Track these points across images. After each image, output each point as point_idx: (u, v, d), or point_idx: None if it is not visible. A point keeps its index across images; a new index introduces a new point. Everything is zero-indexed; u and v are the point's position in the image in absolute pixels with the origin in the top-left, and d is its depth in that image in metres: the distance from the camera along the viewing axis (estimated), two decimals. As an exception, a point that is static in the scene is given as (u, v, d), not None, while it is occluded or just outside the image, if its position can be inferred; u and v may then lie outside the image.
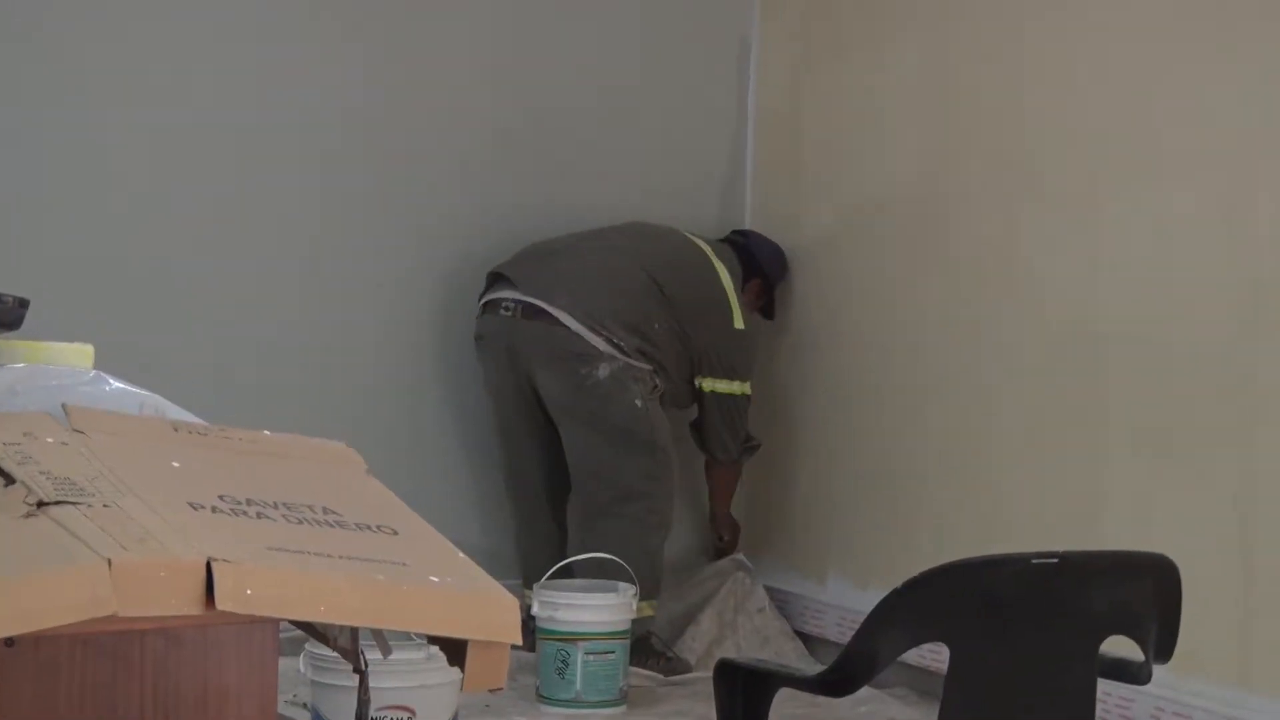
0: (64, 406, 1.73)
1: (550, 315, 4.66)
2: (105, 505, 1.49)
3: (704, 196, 5.45)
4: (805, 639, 5.06)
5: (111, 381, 1.82)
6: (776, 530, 5.31)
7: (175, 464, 1.67)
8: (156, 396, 1.84)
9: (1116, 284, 4.16)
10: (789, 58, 5.35)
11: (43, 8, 4.49)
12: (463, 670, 1.53)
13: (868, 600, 2.43)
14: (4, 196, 4.44)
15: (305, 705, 3.75)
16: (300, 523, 1.59)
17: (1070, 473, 4.26)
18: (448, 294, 5.00)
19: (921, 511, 4.72)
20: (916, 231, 4.80)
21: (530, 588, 4.58)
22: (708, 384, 4.91)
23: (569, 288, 4.68)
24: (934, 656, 3.42)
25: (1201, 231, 3.95)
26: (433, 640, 1.59)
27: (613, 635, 4.34)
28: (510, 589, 1.64)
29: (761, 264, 5.13)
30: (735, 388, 4.94)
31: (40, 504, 1.48)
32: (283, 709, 3.60)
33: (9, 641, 1.46)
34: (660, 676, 4.67)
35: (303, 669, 3.66)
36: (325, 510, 1.64)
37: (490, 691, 1.58)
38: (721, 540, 5.23)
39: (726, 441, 5.00)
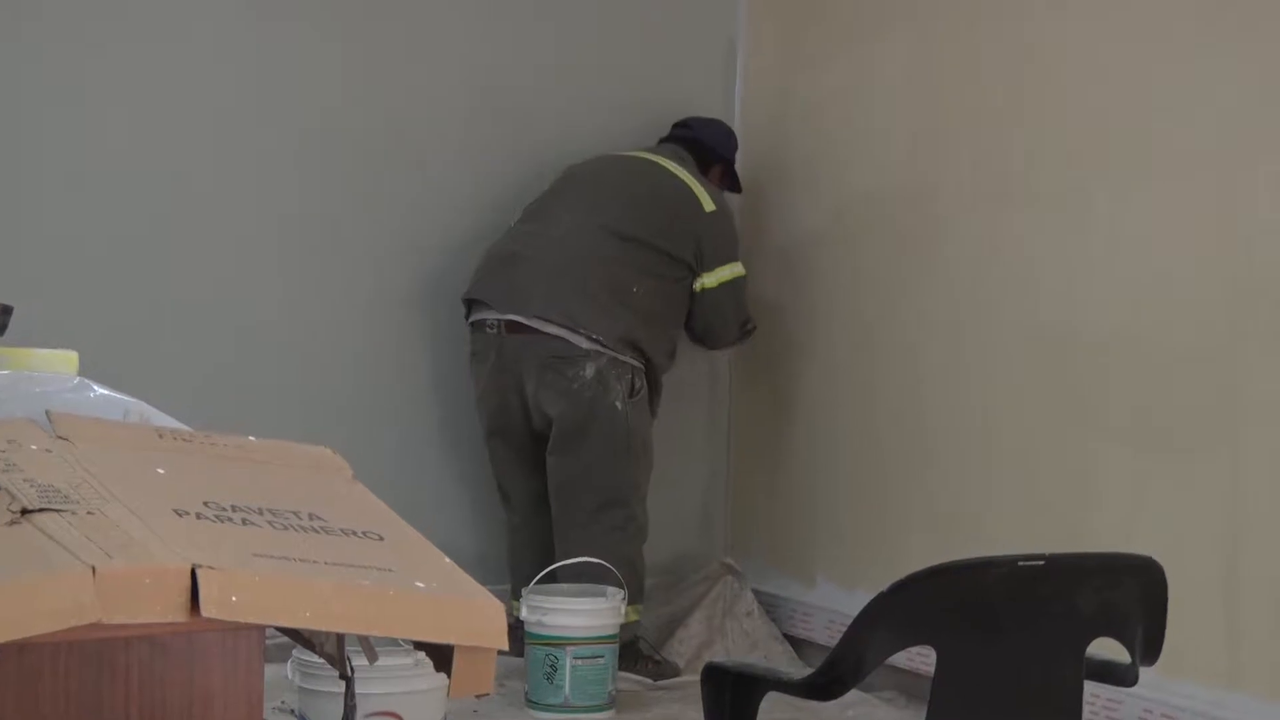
0: (48, 413, 1.73)
1: (531, 327, 4.67)
2: (89, 512, 1.48)
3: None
4: (794, 642, 5.06)
5: (96, 388, 1.82)
6: (765, 533, 5.31)
7: (160, 470, 1.66)
8: (141, 403, 1.83)
9: (1106, 285, 4.16)
10: (775, 59, 5.35)
11: (20, 16, 4.48)
12: (449, 676, 1.53)
13: (856, 603, 2.43)
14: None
15: (292, 712, 3.75)
16: (285, 529, 1.59)
17: (1059, 473, 4.27)
18: (435, 299, 5.00)
19: (911, 513, 4.73)
20: (905, 232, 4.80)
21: (518, 596, 4.58)
22: (710, 279, 4.88)
23: (540, 294, 4.67)
24: (922, 659, 3.42)
25: (1191, 232, 3.95)
26: (419, 646, 1.59)
27: (601, 639, 4.34)
28: (498, 595, 1.63)
29: (716, 148, 5.13)
30: (734, 270, 4.93)
31: (24, 511, 1.47)
32: (270, 716, 3.61)
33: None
34: (649, 680, 4.67)
35: (289, 675, 3.65)
36: (311, 516, 1.63)
37: (477, 697, 1.58)
38: None
39: (731, 328, 5.01)
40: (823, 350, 5.10)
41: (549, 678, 4.29)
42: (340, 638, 1.70)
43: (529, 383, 4.69)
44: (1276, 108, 3.78)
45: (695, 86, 5.43)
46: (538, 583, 4.46)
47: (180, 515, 1.53)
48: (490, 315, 4.73)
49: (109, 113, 4.57)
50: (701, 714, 2.50)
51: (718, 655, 4.78)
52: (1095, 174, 4.20)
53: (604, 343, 4.65)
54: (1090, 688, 2.42)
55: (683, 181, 4.88)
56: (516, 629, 4.30)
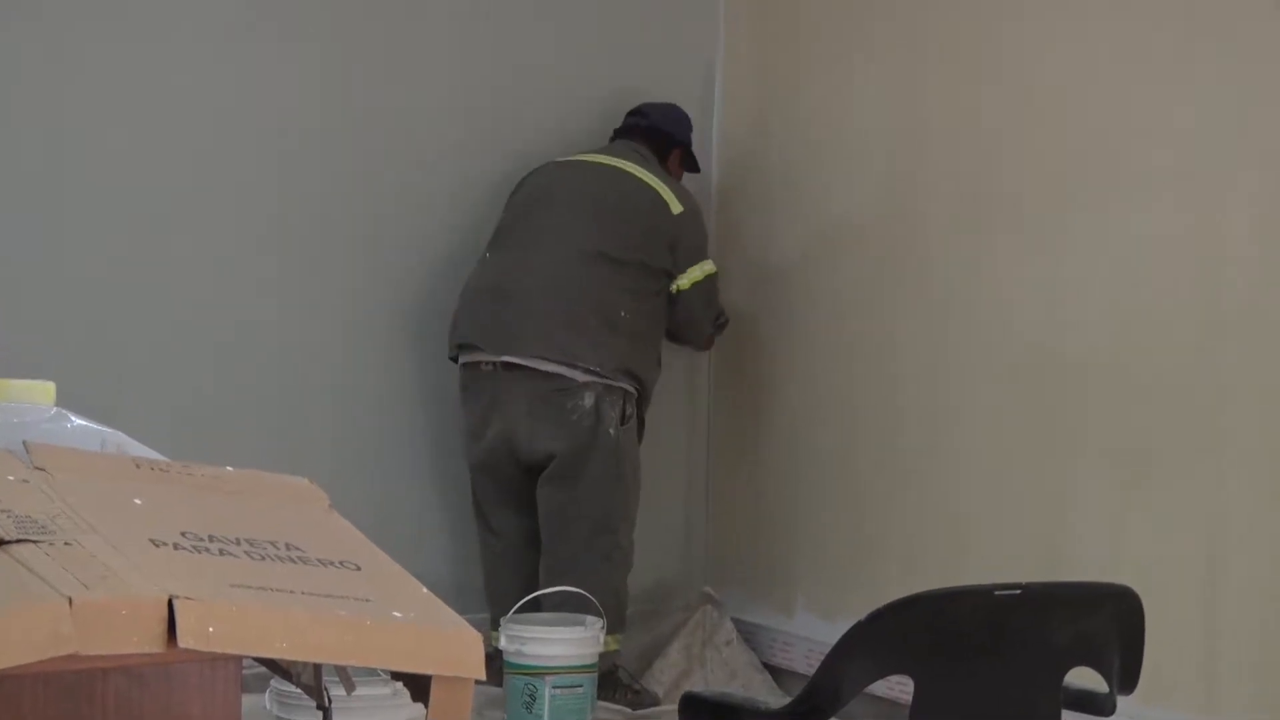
0: (25, 444, 1.73)
1: (527, 366, 4.67)
2: (67, 543, 1.48)
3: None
4: (774, 671, 5.06)
5: (73, 418, 1.82)
6: (744, 561, 5.31)
7: (137, 501, 1.66)
8: (119, 433, 1.83)
9: (1083, 308, 4.18)
10: (754, 80, 5.37)
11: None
12: (427, 706, 1.53)
13: (836, 632, 2.43)
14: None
15: (271, 742, 3.73)
16: (263, 559, 1.59)
17: (1038, 499, 4.28)
18: (420, 327, 4.99)
19: (890, 541, 4.73)
20: (884, 256, 4.82)
21: (497, 626, 4.57)
22: (684, 280, 4.89)
23: (532, 333, 4.66)
24: (901, 688, 3.41)
25: (1167, 255, 3.98)
26: (397, 676, 1.59)
27: (580, 669, 4.33)
28: (476, 624, 1.64)
29: (673, 133, 5.10)
30: (704, 269, 4.93)
31: (1, 542, 1.47)
32: (248, 746, 3.59)
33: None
34: (628, 710, 4.66)
35: (268, 705, 3.64)
36: (288, 546, 1.64)
37: (455, 727, 1.57)
38: None
39: (705, 325, 5.04)
40: (802, 377, 5.11)
41: (528, 707, 4.28)
42: (318, 668, 1.70)
43: (526, 419, 4.68)
44: (1251, 133, 3.81)
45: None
46: (518, 611, 4.46)
47: (157, 546, 1.53)
48: (484, 357, 4.73)
49: (83, 141, 4.55)
50: (680, 743, 2.51)
51: (697, 685, 4.78)
52: (1073, 198, 4.22)
53: (600, 373, 4.66)
54: (1068, 717, 2.43)
55: (649, 186, 4.85)
56: (495, 658, 4.29)
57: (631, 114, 5.11)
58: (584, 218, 4.76)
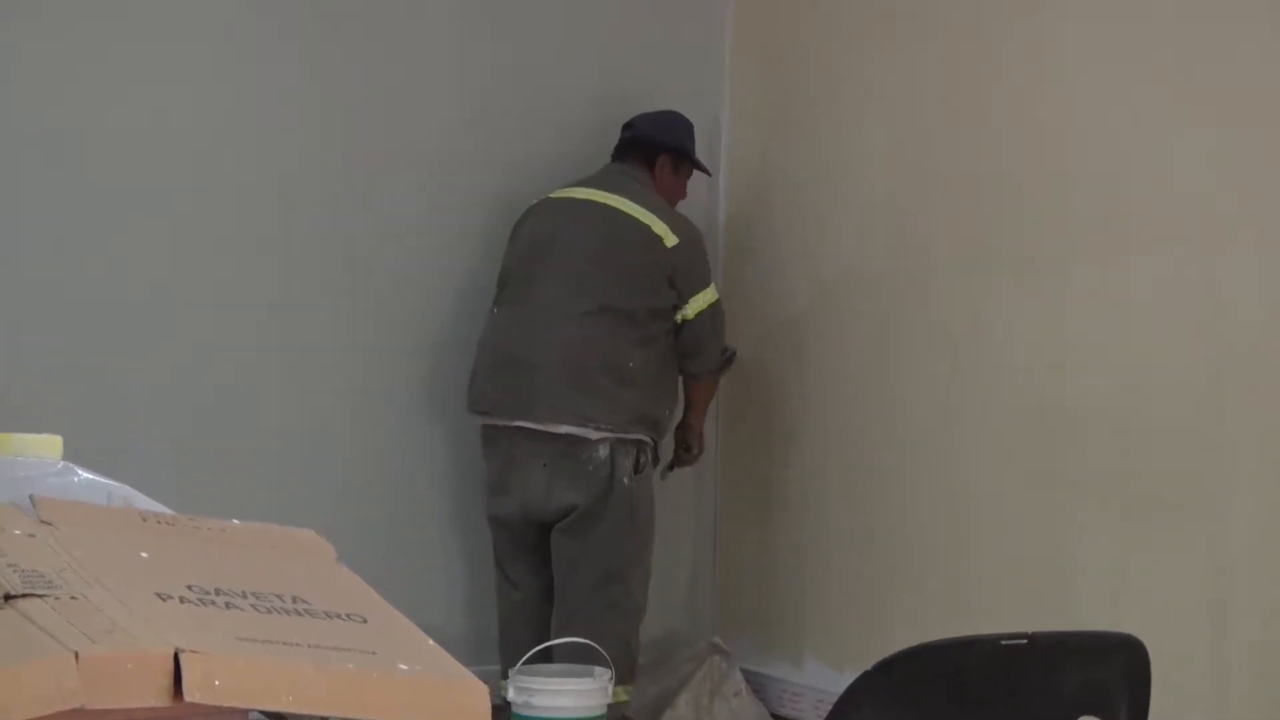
0: (31, 498, 1.73)
1: (543, 431, 4.68)
2: (73, 597, 1.49)
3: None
4: (783, 722, 5.05)
5: (80, 472, 1.82)
6: (752, 611, 5.30)
7: (143, 554, 1.67)
8: (125, 487, 1.84)
9: (1087, 354, 4.19)
10: (759, 134, 5.39)
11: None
12: (434, 759, 1.53)
13: (845, 682, 2.43)
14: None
15: (278, 795, 3.72)
16: (269, 612, 1.59)
17: (1044, 546, 4.27)
18: (430, 373, 5.00)
19: (898, 590, 4.72)
20: (889, 305, 4.83)
21: (507, 676, 4.56)
22: (690, 310, 4.82)
23: (545, 399, 4.65)
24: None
25: (1170, 301, 3.99)
26: (404, 729, 1.59)
27: (588, 720, 4.32)
28: (485, 675, 1.64)
29: (657, 137, 4.96)
30: (708, 296, 4.84)
31: (7, 597, 1.48)
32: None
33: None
34: (636, 761, 4.65)
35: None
36: (294, 599, 1.64)
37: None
38: (689, 451, 5.17)
39: (713, 354, 4.93)
40: (810, 426, 5.11)
41: (536, 758, 4.26)
42: (324, 721, 1.70)
43: (544, 476, 4.68)
44: (1252, 183, 3.82)
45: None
46: (526, 662, 4.44)
47: (164, 599, 1.54)
48: (501, 421, 4.75)
49: (95, 193, 4.56)
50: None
51: (705, 737, 4.76)
52: (1076, 245, 4.23)
53: (614, 427, 4.66)
54: (1075, 766, 2.42)
55: (641, 222, 4.77)
56: (504, 710, 4.27)
57: (624, 128, 5.02)
58: (585, 270, 4.74)
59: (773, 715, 5.05)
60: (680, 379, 4.92)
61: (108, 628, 1.43)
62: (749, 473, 5.36)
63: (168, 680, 1.40)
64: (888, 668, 2.22)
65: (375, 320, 4.94)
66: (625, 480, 4.67)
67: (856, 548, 4.89)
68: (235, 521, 1.86)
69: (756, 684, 5.13)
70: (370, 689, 1.51)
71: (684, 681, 5.03)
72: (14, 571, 1.52)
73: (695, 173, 5.10)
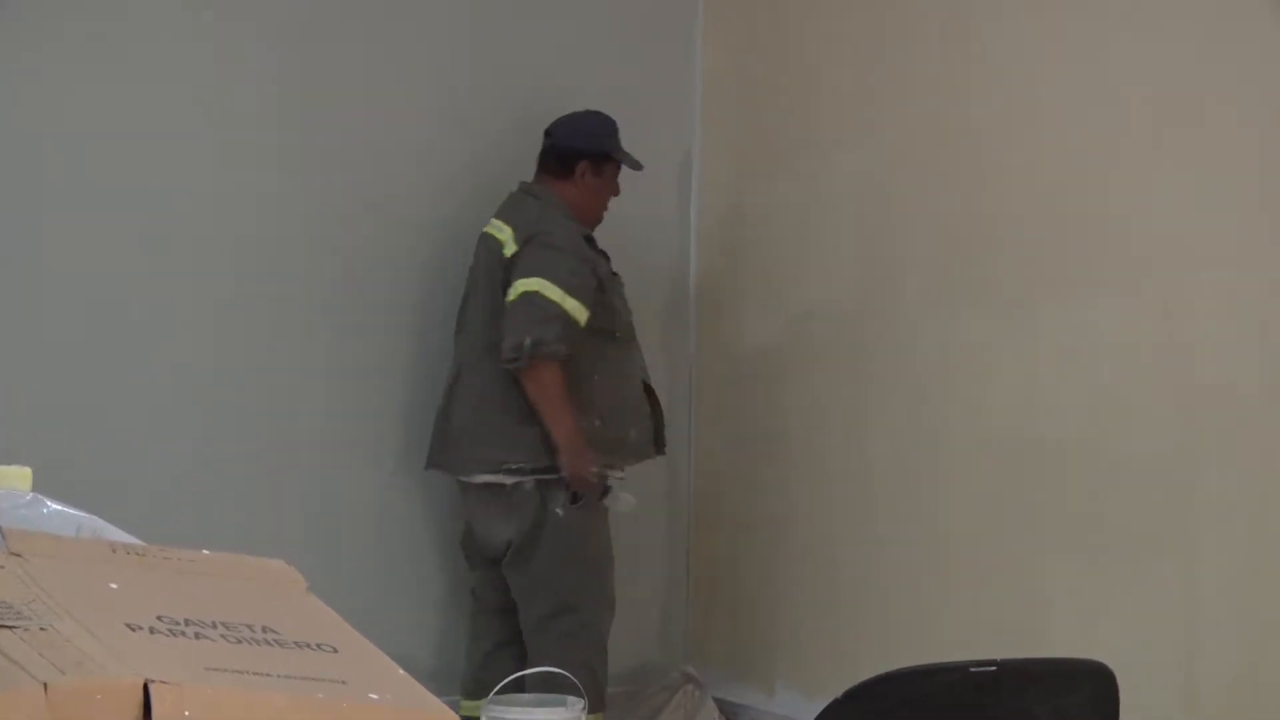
0: (0, 529, 1.73)
1: (474, 483, 4.71)
2: (42, 629, 1.48)
3: (649, 308, 5.49)
4: (755, 750, 5.05)
5: (49, 504, 1.82)
6: (725, 641, 5.30)
7: (113, 585, 1.67)
8: (95, 518, 1.84)
9: (1057, 391, 4.21)
10: (729, 170, 5.42)
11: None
12: (404, 788, 1.53)
13: (816, 710, 2.43)
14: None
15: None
16: (239, 642, 1.59)
17: (1013, 579, 4.29)
18: (406, 403, 5.00)
19: (869, 620, 4.73)
20: (859, 340, 4.85)
21: (468, 697, 4.57)
22: (512, 294, 4.59)
23: (463, 454, 4.73)
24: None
25: (1139, 339, 4.01)
26: (373, 758, 1.59)
27: (561, 750, 4.30)
28: (454, 706, 1.64)
29: (575, 146, 4.81)
30: (528, 284, 4.56)
31: (-24, 628, 1.47)
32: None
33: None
34: (608, 792, 4.63)
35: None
36: (264, 629, 1.64)
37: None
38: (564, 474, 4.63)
39: (512, 339, 4.53)
40: (781, 459, 5.12)
41: (509, 789, 4.25)
42: (294, 752, 1.70)
43: (481, 515, 4.74)
44: (1221, 220, 3.85)
45: (652, 197, 5.48)
46: (498, 692, 4.43)
47: (133, 630, 1.53)
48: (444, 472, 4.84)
49: (69, 227, 4.56)
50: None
51: (679, 766, 4.75)
52: (1046, 282, 4.26)
53: (527, 465, 4.63)
54: (1045, 795, 2.42)
55: (499, 240, 4.72)
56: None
57: (545, 134, 4.91)
58: (476, 312, 4.75)
59: (746, 744, 5.06)
60: (600, 392, 4.69)
61: (77, 659, 1.43)
62: (722, 503, 5.37)
63: (137, 711, 1.39)
64: (856, 696, 2.23)
65: (354, 346, 4.95)
66: (559, 511, 4.63)
67: (828, 578, 4.90)
68: (205, 552, 1.86)
69: (729, 712, 5.13)
70: (341, 719, 1.51)
71: (657, 711, 5.03)
72: (-17, 603, 1.52)
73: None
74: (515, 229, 4.69)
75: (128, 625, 1.54)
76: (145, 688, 1.40)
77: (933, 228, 4.62)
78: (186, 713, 1.41)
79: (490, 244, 4.75)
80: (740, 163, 5.40)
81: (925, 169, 4.67)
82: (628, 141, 5.18)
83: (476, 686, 4.58)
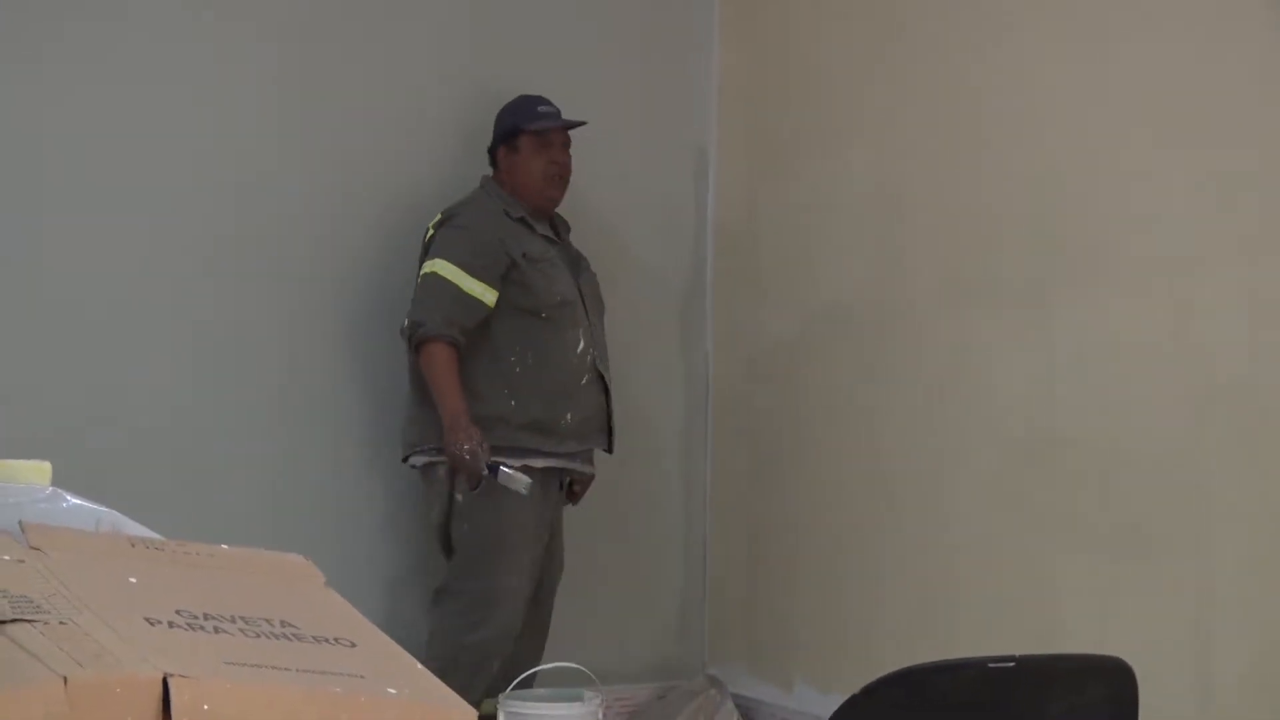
0: (20, 524, 1.74)
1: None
2: (61, 622, 1.49)
3: (665, 306, 5.49)
4: (773, 747, 5.05)
5: (69, 498, 1.83)
6: (743, 636, 5.30)
7: (132, 579, 1.67)
8: (114, 512, 1.84)
9: (1073, 387, 4.20)
10: (745, 168, 5.42)
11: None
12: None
13: (834, 706, 2.43)
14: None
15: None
16: (258, 636, 1.59)
17: (1030, 576, 4.28)
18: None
19: (887, 616, 4.73)
20: (873, 338, 4.84)
21: None
22: (420, 274, 4.65)
23: (399, 437, 4.77)
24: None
25: (1153, 337, 3.99)
26: (391, 752, 1.59)
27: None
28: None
29: (495, 137, 4.84)
30: (431, 265, 4.59)
31: (-3, 622, 1.48)
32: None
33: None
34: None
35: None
36: (283, 624, 1.64)
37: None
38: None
39: (411, 316, 4.59)
40: (796, 455, 5.12)
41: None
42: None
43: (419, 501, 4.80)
44: (1234, 217, 3.83)
45: (668, 192, 5.48)
46: (516, 687, 4.44)
47: (152, 624, 1.54)
48: None
49: (82, 222, 4.57)
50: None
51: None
52: (1059, 280, 4.25)
53: (426, 446, 4.63)
54: (1064, 791, 2.42)
55: (427, 228, 4.75)
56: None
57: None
58: None
59: (762, 741, 5.06)
60: (519, 372, 4.64)
61: (96, 652, 1.43)
62: (738, 500, 5.36)
63: (156, 705, 1.40)
64: (874, 691, 2.23)
65: (362, 340, 4.95)
66: (459, 497, 4.61)
67: (845, 574, 4.89)
68: (224, 546, 1.86)
69: (747, 708, 5.13)
70: (359, 713, 1.51)
71: (678, 712, 5.02)
72: (3, 597, 1.52)
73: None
74: (439, 215, 4.74)
75: (147, 619, 1.54)
76: (164, 681, 1.40)
77: (946, 226, 4.61)
78: (205, 706, 1.41)
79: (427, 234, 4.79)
80: (755, 161, 5.40)
81: (938, 167, 4.66)
82: (644, 139, 5.18)
83: None
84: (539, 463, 4.61)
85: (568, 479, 4.79)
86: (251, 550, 1.89)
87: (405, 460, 4.74)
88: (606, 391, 4.76)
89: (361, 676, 1.57)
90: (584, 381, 4.69)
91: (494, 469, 4.48)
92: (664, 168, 5.48)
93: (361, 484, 4.94)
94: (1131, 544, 4.01)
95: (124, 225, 4.61)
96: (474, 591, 4.59)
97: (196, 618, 1.58)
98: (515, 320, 4.62)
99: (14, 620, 1.48)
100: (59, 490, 1.84)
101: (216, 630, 1.57)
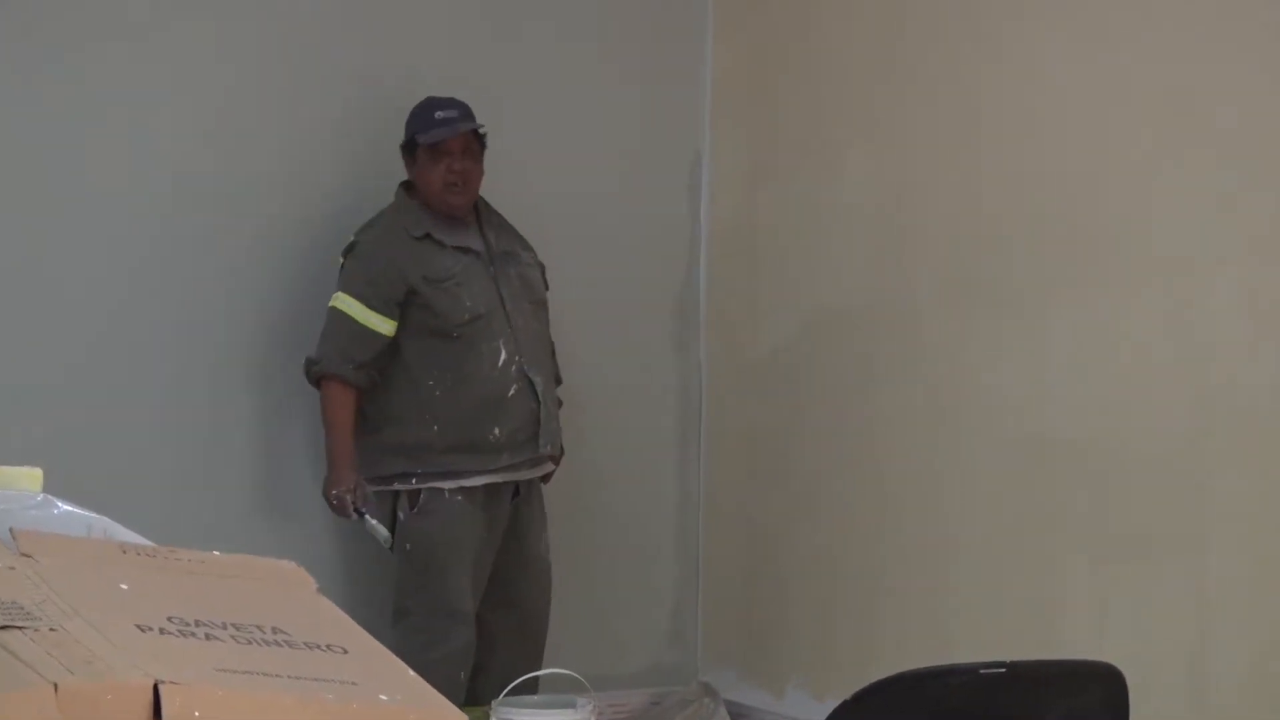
0: (11, 530, 1.73)
1: None
2: (52, 629, 1.49)
3: (659, 312, 5.49)
4: (766, 752, 5.04)
5: (60, 504, 1.82)
6: (735, 642, 5.30)
7: (123, 586, 1.67)
8: (105, 519, 1.84)
9: (1068, 392, 4.20)
10: (740, 171, 5.42)
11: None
12: (414, 789, 1.53)
13: (826, 712, 2.43)
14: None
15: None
16: (249, 643, 1.59)
17: (1026, 581, 4.28)
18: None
19: (880, 621, 4.73)
20: (871, 342, 4.84)
21: None
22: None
23: None
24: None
25: (1152, 339, 4.00)
26: (382, 759, 1.59)
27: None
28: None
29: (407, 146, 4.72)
30: (334, 300, 4.59)
31: (-13, 629, 1.48)
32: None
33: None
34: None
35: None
36: (274, 630, 1.64)
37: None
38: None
39: (315, 352, 4.61)
40: (793, 458, 5.12)
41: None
42: (303, 752, 1.70)
43: None
44: (1232, 218, 3.84)
45: (662, 197, 5.48)
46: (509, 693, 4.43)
47: (143, 630, 1.54)
48: None
49: (70, 230, 4.57)
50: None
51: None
52: (1057, 282, 4.25)
53: (370, 470, 4.63)
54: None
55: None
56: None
57: None
58: None
59: (756, 746, 5.06)
60: (438, 396, 4.61)
61: (87, 659, 1.43)
62: (732, 505, 5.36)
63: (147, 712, 1.40)
64: (866, 697, 2.23)
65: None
66: (401, 516, 4.61)
67: (838, 579, 4.89)
68: (216, 553, 1.86)
69: (739, 714, 5.12)
70: (351, 719, 1.51)
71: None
72: (-7, 603, 1.52)
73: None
74: (351, 238, 4.70)
75: (138, 626, 1.54)
76: (155, 688, 1.40)
77: (944, 229, 4.62)
78: (196, 713, 1.41)
79: None
80: (751, 164, 5.40)
81: (936, 170, 4.66)
82: (638, 145, 5.18)
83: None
84: (474, 481, 4.60)
85: (513, 489, 4.72)
86: (243, 557, 1.89)
87: None
88: (538, 397, 4.67)
89: (354, 683, 1.57)
90: (511, 393, 4.62)
91: (361, 515, 4.57)
92: (658, 172, 5.47)
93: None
94: (1130, 547, 4.01)
95: (109, 230, 4.61)
96: (427, 609, 4.59)
97: (188, 624, 1.58)
98: (427, 343, 4.60)
99: (5, 627, 1.48)
100: (50, 497, 1.83)
101: (208, 637, 1.57)
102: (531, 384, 4.65)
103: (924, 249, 4.68)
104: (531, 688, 4.42)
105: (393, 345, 4.59)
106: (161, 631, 1.55)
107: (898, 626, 4.67)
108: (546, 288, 4.87)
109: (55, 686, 1.37)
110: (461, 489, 4.57)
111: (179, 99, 4.73)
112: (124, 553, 1.77)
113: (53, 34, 4.57)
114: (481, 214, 4.80)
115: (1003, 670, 2.28)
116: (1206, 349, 3.88)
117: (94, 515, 1.83)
